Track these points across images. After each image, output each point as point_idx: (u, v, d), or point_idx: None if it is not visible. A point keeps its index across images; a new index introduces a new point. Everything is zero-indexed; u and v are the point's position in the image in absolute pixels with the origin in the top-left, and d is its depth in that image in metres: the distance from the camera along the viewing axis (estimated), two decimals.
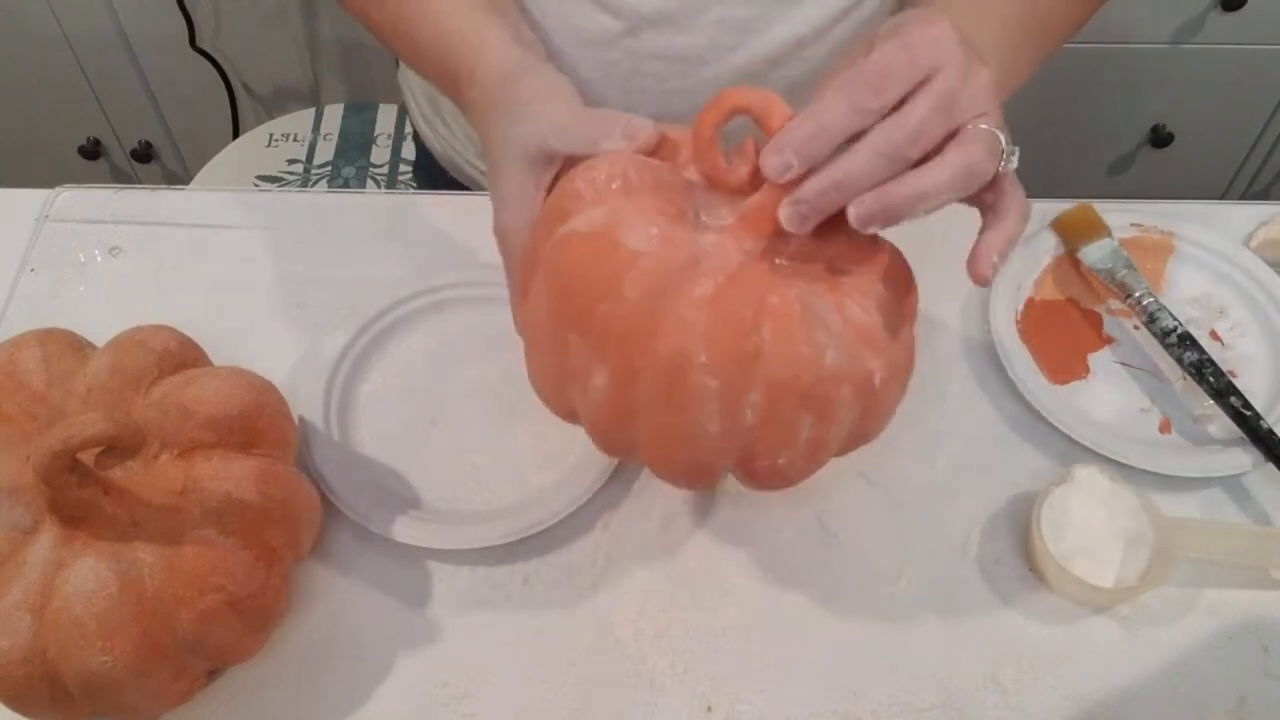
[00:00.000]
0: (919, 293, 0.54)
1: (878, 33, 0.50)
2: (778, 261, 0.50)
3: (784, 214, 0.48)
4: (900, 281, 0.52)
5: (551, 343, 0.51)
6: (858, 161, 0.47)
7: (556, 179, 0.54)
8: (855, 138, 0.47)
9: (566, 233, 0.49)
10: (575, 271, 0.48)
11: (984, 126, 0.47)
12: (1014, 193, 0.49)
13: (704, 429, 0.48)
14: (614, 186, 0.50)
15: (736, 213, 0.50)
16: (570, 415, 0.54)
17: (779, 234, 0.49)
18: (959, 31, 0.48)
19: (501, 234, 0.56)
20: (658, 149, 0.53)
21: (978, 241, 0.49)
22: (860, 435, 0.54)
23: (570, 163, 0.53)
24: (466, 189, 0.91)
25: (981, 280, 0.49)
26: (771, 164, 0.48)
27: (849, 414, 0.50)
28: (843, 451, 0.55)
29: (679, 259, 0.47)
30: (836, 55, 0.73)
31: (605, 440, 0.53)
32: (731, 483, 0.67)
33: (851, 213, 0.47)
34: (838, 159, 0.47)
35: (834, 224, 0.49)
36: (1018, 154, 0.49)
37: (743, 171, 0.50)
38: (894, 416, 0.54)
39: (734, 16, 0.70)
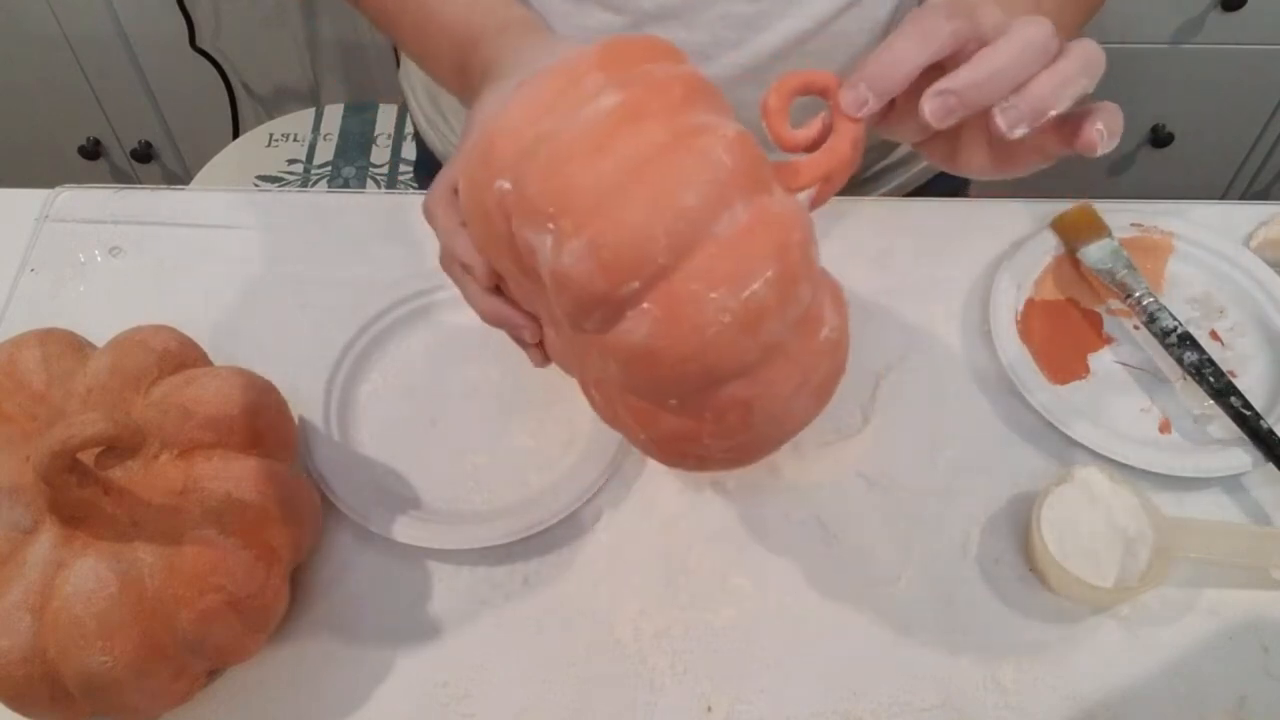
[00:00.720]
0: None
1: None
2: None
3: (929, 106, 0.47)
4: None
5: None
6: (1006, 53, 0.46)
7: None
8: (931, 73, 0.48)
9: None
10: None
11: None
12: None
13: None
14: None
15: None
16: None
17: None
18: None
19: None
20: None
21: (1079, 116, 0.49)
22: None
23: None
24: None
25: (1090, 147, 0.49)
26: (848, 99, 0.48)
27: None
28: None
29: None
30: (840, 49, 0.73)
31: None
32: (732, 482, 0.67)
33: (1001, 122, 0.46)
34: (984, 52, 0.47)
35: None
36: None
37: (812, 134, 0.51)
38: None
39: (737, 12, 0.70)
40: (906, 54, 0.48)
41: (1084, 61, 0.48)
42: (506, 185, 0.46)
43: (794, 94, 0.51)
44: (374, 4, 0.71)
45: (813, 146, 0.51)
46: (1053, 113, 0.48)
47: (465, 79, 0.64)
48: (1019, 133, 0.47)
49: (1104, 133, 0.49)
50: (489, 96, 0.58)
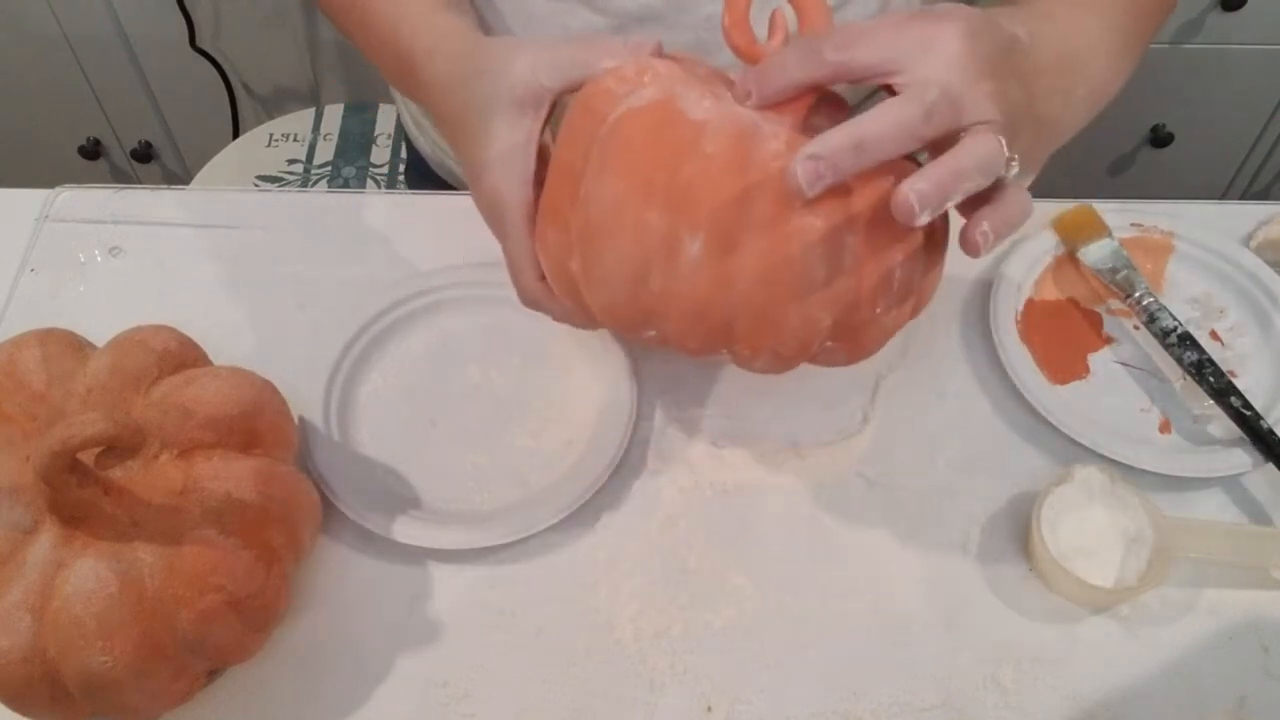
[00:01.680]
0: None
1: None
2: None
3: (799, 170, 0.46)
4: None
5: (627, 229, 0.49)
6: (877, 124, 0.46)
7: (545, 125, 0.54)
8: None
9: (623, 112, 0.49)
10: (647, 141, 0.48)
11: (987, 131, 0.47)
12: (1015, 191, 0.49)
13: (812, 277, 0.47)
14: (645, 79, 0.50)
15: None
16: (641, 317, 0.51)
17: (810, 114, 0.50)
18: (970, 38, 0.48)
19: (493, 198, 0.55)
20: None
21: (973, 216, 0.49)
22: (920, 290, 0.53)
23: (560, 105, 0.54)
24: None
25: (972, 249, 0.48)
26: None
27: (923, 252, 0.50)
28: (913, 314, 0.54)
29: (743, 122, 0.48)
30: None
31: (698, 321, 0.50)
32: (732, 483, 0.67)
33: (911, 201, 0.46)
34: (856, 118, 0.47)
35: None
36: (1018, 164, 0.49)
37: (776, 44, 0.50)
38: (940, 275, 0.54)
39: (721, 14, 0.70)
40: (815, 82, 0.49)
41: (975, 158, 0.47)
42: None
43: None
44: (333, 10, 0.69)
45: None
46: (947, 206, 0.47)
47: (412, 94, 0.63)
48: (924, 220, 0.46)
49: (988, 234, 0.48)
50: (467, 148, 0.57)
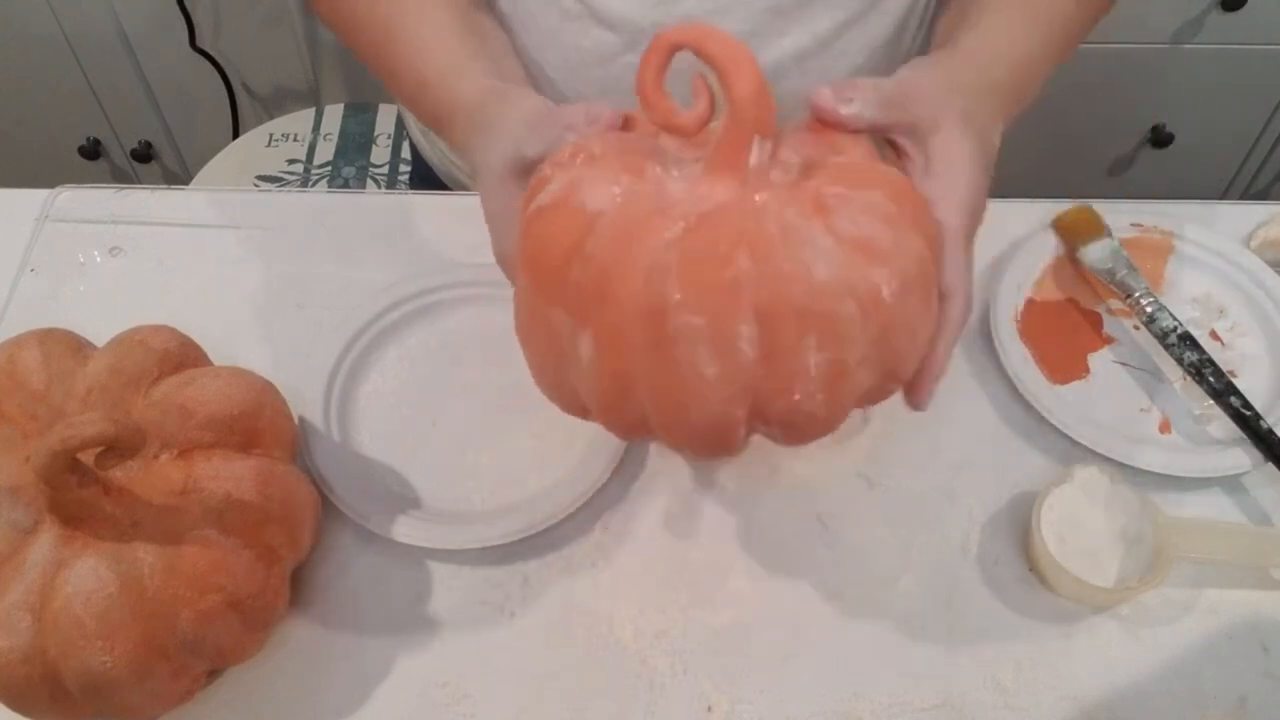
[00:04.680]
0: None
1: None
2: (757, 199, 0.46)
3: None
4: (901, 196, 0.48)
5: (540, 329, 0.49)
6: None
7: None
8: None
9: (531, 211, 0.48)
10: (542, 242, 0.47)
11: (964, 298, 0.50)
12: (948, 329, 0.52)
13: (701, 374, 0.45)
14: (578, 161, 0.48)
15: (704, 157, 0.47)
16: (580, 408, 0.51)
17: (754, 171, 0.46)
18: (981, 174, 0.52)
19: (499, 259, 0.56)
20: (625, 128, 0.52)
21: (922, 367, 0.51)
22: (891, 369, 0.49)
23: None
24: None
25: (920, 408, 0.51)
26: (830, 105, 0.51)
27: (862, 334, 0.46)
28: (880, 395, 0.51)
29: (644, 209, 0.45)
30: (840, 68, 0.72)
31: (615, 418, 0.49)
32: (729, 476, 0.67)
33: (929, 396, 0.50)
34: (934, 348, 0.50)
35: (819, 151, 0.49)
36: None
37: (699, 108, 0.47)
38: (931, 349, 0.51)
39: (735, 31, 0.69)
40: None
41: (949, 345, 0.51)
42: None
43: (663, 64, 0.47)
44: (341, 22, 0.69)
45: (711, 118, 0.48)
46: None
47: (432, 125, 0.64)
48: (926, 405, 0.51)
49: (934, 394, 0.51)
50: (480, 188, 0.57)
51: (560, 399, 0.52)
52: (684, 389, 0.45)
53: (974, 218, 0.52)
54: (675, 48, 0.46)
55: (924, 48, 0.74)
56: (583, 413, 0.51)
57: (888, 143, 0.53)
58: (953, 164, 0.51)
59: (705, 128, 0.48)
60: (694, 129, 0.48)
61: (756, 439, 0.50)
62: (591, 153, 0.48)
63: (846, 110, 0.50)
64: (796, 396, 0.46)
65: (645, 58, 0.46)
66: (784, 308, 0.44)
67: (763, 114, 0.46)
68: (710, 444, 0.48)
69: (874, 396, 0.50)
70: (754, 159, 0.46)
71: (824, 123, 0.51)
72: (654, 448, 0.68)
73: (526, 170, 0.53)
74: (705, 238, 0.44)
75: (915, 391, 0.51)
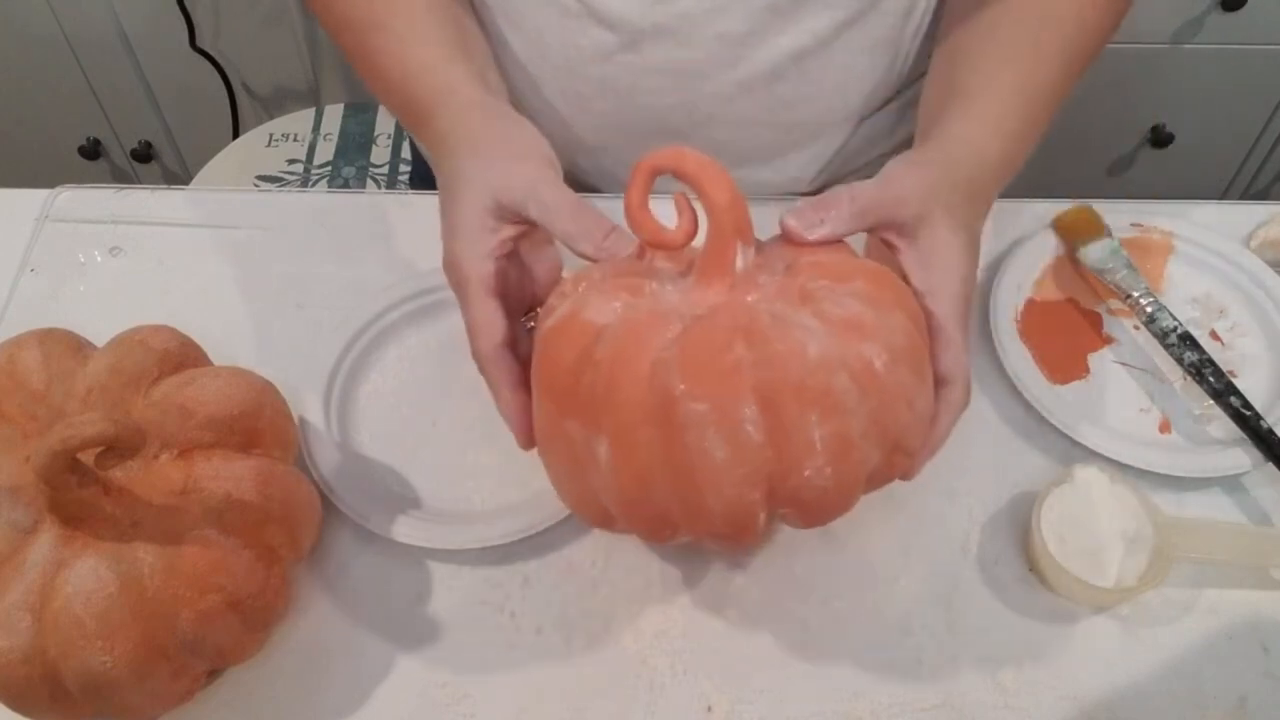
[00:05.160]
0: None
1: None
2: (749, 299, 0.50)
3: None
4: (880, 281, 0.51)
5: (559, 443, 0.52)
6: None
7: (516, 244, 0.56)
8: None
9: (544, 330, 0.51)
10: (554, 358, 0.50)
11: (962, 389, 0.53)
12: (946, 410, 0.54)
13: (713, 458, 0.47)
14: (580, 288, 0.52)
15: (695, 267, 0.51)
16: (606, 517, 0.53)
17: (741, 275, 0.51)
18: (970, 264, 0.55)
19: (452, 261, 0.56)
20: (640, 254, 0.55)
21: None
22: (894, 441, 0.50)
23: (536, 231, 0.56)
24: None
25: (908, 479, 0.54)
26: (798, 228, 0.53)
27: (860, 405, 0.48)
28: (889, 471, 0.52)
29: (645, 316, 0.49)
30: (838, 68, 0.72)
31: (638, 517, 0.51)
32: None
33: (917, 467, 0.53)
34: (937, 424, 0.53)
35: (799, 255, 0.52)
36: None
37: (684, 223, 0.51)
38: (933, 426, 0.53)
39: (734, 30, 0.69)
40: None
41: (948, 428, 0.54)
42: None
43: (646, 188, 0.50)
44: (332, 20, 0.69)
45: (694, 232, 0.51)
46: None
47: (419, 128, 0.64)
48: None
49: (923, 466, 0.54)
50: (444, 202, 0.58)
51: (584, 510, 0.54)
52: (699, 475, 0.48)
53: (966, 304, 0.54)
54: (656, 171, 0.50)
55: (924, 48, 0.74)
56: (608, 522, 0.53)
57: (881, 239, 0.56)
58: (942, 259, 0.54)
59: (691, 241, 0.51)
60: (681, 242, 0.51)
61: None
62: (592, 279, 0.53)
63: (816, 235, 0.53)
64: (807, 473, 0.48)
65: (630, 183, 0.50)
66: (782, 386, 0.47)
67: (740, 218, 0.50)
68: (732, 531, 0.50)
69: (883, 472, 0.52)
70: (740, 263, 0.50)
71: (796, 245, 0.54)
72: None
73: (516, 219, 0.55)
74: (703, 332, 0.48)
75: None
